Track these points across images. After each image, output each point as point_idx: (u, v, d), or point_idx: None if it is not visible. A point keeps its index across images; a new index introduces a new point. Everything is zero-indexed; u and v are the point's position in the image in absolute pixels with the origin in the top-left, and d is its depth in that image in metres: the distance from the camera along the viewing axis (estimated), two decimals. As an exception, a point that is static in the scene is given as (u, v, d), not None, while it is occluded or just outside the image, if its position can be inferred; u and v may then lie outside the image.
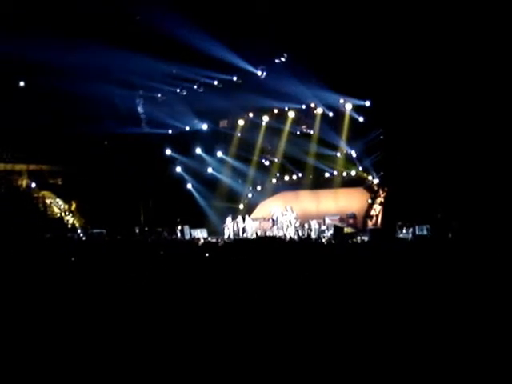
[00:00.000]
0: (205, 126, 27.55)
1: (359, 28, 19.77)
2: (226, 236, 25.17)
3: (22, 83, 24.89)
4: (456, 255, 11.92)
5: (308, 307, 6.87)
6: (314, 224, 24.53)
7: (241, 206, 28.72)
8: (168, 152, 27.94)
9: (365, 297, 7.34)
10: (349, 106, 24.21)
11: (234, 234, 25.31)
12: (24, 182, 27.34)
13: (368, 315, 6.41)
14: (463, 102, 19.28)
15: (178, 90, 26.04)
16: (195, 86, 25.64)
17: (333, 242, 20.56)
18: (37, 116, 23.88)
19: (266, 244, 18.22)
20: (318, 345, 5.45)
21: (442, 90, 19.59)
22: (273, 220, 25.23)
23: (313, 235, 23.45)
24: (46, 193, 27.37)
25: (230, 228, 25.57)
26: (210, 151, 28.13)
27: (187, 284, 8.93)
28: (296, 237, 23.52)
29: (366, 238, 21.01)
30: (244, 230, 25.54)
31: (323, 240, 21.54)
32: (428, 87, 19.79)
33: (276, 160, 28.04)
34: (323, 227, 24.62)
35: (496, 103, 18.68)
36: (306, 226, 24.59)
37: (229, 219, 25.75)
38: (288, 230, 24.34)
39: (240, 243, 20.57)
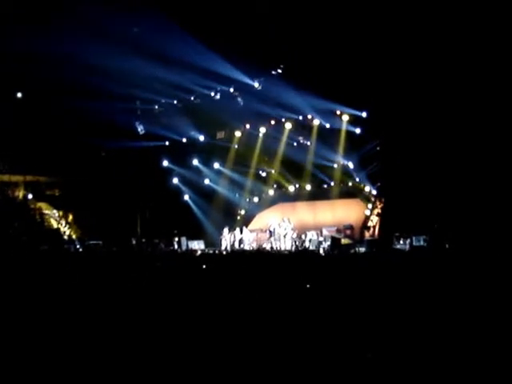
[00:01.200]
0: (202, 138, 27.59)
1: (355, 40, 19.88)
2: (223, 247, 25.14)
3: (19, 94, 24.93)
4: (452, 265, 11.93)
5: (305, 319, 6.85)
6: (312, 235, 24.54)
7: (238, 218, 28.71)
8: (165, 163, 27.95)
9: (362, 308, 7.33)
10: (345, 118, 24.31)
11: (231, 246, 25.30)
12: (21, 193, 27.26)
13: (366, 326, 6.41)
14: (459, 113, 19.36)
15: (175, 102, 26.12)
16: (192, 98, 25.71)
17: (330, 253, 20.55)
18: (34, 127, 23.90)
19: (264, 257, 18.21)
20: (314, 355, 5.44)
21: (438, 101, 19.68)
22: (270, 231, 25.21)
23: (310, 246, 23.43)
24: (42, 204, 27.30)
25: (227, 239, 25.55)
26: (207, 163, 28.17)
27: (183, 296, 8.91)
28: (293, 248, 23.52)
29: (363, 249, 21.03)
30: (241, 242, 25.52)
31: (321, 251, 21.53)
32: (424, 98, 19.88)
33: (273, 171, 28.07)
34: (320, 238, 24.63)
35: (492, 118, 18.76)
36: (303, 237, 24.60)
37: (226, 230, 25.73)
38: (285, 242, 24.35)
39: (237, 255, 20.53)
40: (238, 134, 27.51)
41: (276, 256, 19.32)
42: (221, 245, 25.51)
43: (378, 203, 24.36)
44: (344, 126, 24.56)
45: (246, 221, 28.29)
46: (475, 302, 7.38)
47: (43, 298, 8.71)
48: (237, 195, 28.81)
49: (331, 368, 5.14)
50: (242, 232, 25.75)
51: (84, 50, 19.65)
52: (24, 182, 27.43)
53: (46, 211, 27.09)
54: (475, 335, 5.86)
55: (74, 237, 26.32)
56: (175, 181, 28.19)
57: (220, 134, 27.95)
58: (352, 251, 20.56)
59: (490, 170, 18.73)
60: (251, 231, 26.33)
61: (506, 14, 17.35)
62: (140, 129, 26.68)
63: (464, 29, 18.13)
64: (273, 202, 28.41)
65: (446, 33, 18.51)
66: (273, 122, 26.54)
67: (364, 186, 25.20)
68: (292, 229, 24.65)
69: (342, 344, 5.82)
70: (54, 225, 26.82)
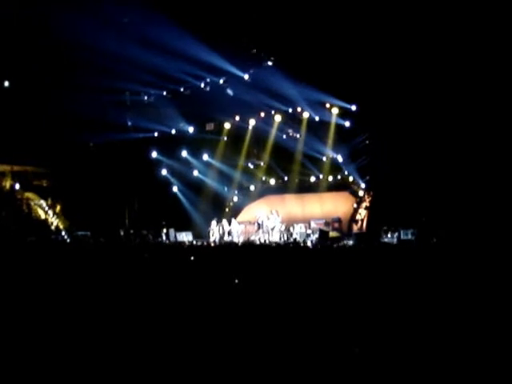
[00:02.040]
0: (191, 129, 27.49)
1: (345, 33, 19.86)
2: (211, 239, 25.14)
3: (6, 83, 24.68)
4: (440, 259, 12.00)
5: (293, 312, 6.87)
6: (300, 228, 24.59)
7: (226, 210, 28.69)
8: (154, 155, 27.84)
9: (350, 302, 7.37)
10: (335, 111, 24.30)
11: (220, 238, 25.31)
12: (8, 183, 27.05)
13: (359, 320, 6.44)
14: (449, 107, 19.45)
15: (165, 93, 25.99)
16: (181, 89, 25.59)
17: (318, 246, 20.61)
18: (21, 117, 23.69)
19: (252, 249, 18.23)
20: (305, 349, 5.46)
21: (428, 95, 19.74)
22: (258, 224, 25.24)
23: (298, 239, 23.49)
24: (30, 194, 27.11)
25: (215, 231, 25.55)
26: (196, 154, 28.06)
27: (171, 286, 8.90)
28: (281, 240, 23.58)
29: (351, 242, 21.11)
30: (229, 234, 25.53)
31: (308, 244, 21.60)
32: (414, 92, 19.94)
33: (262, 164, 28.05)
34: (308, 231, 24.71)
35: (480, 110, 18.86)
36: (292, 229, 24.65)
37: (214, 222, 25.73)
38: (273, 234, 24.40)
39: (226, 248, 20.54)
40: (227, 125, 27.41)
41: (264, 248, 19.35)
42: (209, 237, 25.50)
43: (366, 197, 24.44)
44: (333, 119, 24.56)
45: (235, 213, 28.27)
46: (463, 295, 7.43)
47: (32, 289, 8.68)
48: (225, 187, 28.78)
49: (319, 362, 5.16)
50: (230, 224, 25.75)
51: (72, 40, 19.48)
52: (11, 172, 27.20)
53: (34, 202, 26.92)
54: (463, 327, 5.90)
55: (61, 227, 26.19)
56: (164, 172, 28.08)
57: (209, 126, 27.83)
58: (340, 244, 20.62)
59: (478, 164, 18.85)
60: (239, 223, 26.32)
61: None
62: (128, 120, 26.52)
63: (455, 20, 18.17)
64: (261, 194, 28.39)
65: (436, 26, 18.55)
66: (262, 115, 26.44)
67: (353, 179, 25.25)
68: (280, 221, 24.70)
69: (329, 338, 5.85)
70: (42, 215, 26.65)
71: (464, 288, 7.98)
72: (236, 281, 9.33)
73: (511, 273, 8.63)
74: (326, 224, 24.91)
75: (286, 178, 27.66)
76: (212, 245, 22.56)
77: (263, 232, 24.82)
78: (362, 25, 19.51)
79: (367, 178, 24.26)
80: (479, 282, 8.28)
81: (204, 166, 28.20)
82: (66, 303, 7.64)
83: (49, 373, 5.07)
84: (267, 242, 23.62)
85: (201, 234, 26.40)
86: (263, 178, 28.44)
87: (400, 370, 4.96)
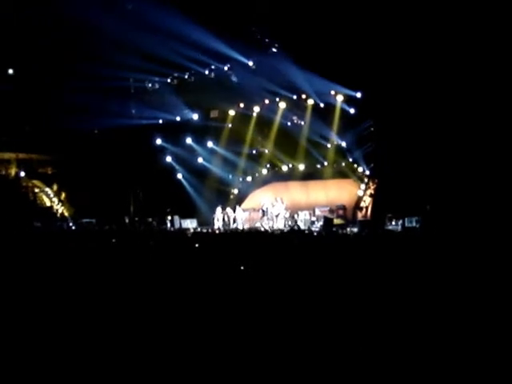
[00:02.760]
0: (195, 116, 27.46)
1: (351, 19, 19.74)
2: (215, 226, 25.21)
3: (10, 71, 24.65)
4: (445, 247, 11.99)
5: (296, 305, 6.89)
6: (304, 215, 24.62)
7: (231, 197, 28.74)
8: (158, 142, 27.85)
9: (354, 296, 7.38)
10: (340, 98, 24.21)
11: (224, 225, 25.36)
12: (13, 171, 27.15)
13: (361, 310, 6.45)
14: (453, 93, 19.34)
15: (169, 80, 25.93)
16: (186, 76, 25.51)
17: (323, 233, 20.62)
18: (26, 105, 23.70)
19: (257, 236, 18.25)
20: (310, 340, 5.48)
21: (432, 81, 19.63)
22: (263, 211, 25.28)
23: (302, 226, 23.51)
24: (35, 182, 27.22)
25: (219, 218, 25.61)
26: (201, 141, 28.05)
27: (176, 276, 8.93)
28: (286, 228, 23.60)
29: (355, 230, 21.12)
30: (234, 221, 25.59)
31: (313, 231, 21.61)
32: (418, 78, 19.82)
33: (266, 151, 28.03)
34: (313, 218, 24.73)
35: (485, 95, 18.76)
36: (296, 217, 24.68)
37: (219, 210, 25.77)
38: (278, 221, 24.43)
39: (231, 235, 20.58)
40: (231, 112, 27.38)
41: (269, 236, 19.36)
42: (213, 224, 25.56)
43: (371, 184, 24.41)
44: (338, 106, 24.48)
45: (239, 200, 28.32)
46: (468, 286, 7.43)
47: (36, 277, 8.72)
48: (230, 174, 28.80)
49: (321, 358, 5.18)
50: (235, 211, 25.80)
51: (76, 27, 19.42)
52: (16, 160, 27.28)
53: (39, 189, 27.01)
54: (468, 319, 5.91)
55: (66, 215, 26.29)
56: (168, 159, 28.10)
57: (214, 113, 27.80)
58: (344, 231, 20.63)
59: (483, 152, 18.79)
60: (244, 210, 26.36)
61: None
62: (132, 107, 26.49)
63: (458, 12, 18.05)
64: (266, 181, 28.42)
65: (441, 14, 18.42)
66: (267, 101, 26.39)
67: (357, 166, 25.21)
68: (285, 208, 24.73)
69: (332, 327, 5.86)
70: (47, 203, 26.75)
71: (469, 277, 7.97)
72: (242, 267, 9.35)
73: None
74: (331, 211, 24.93)
75: (290, 165, 27.64)
76: (217, 232, 22.60)
77: (268, 219, 24.86)
78: (366, 12, 19.38)
79: (372, 165, 24.21)
80: (483, 272, 8.27)
81: (208, 154, 28.21)
82: (68, 291, 7.68)
83: (51, 359, 5.11)
84: (272, 229, 23.66)
85: (205, 221, 26.46)
86: (268, 165, 28.43)
87: (405, 359, 4.98)
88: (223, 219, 25.59)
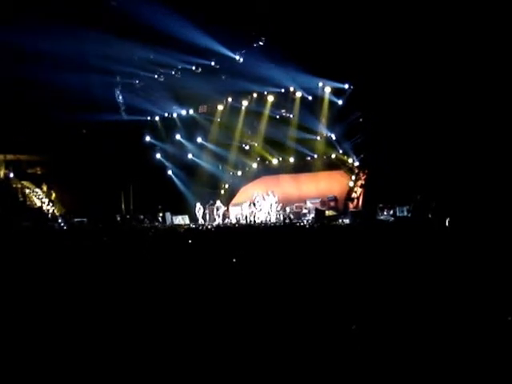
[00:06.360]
0: (184, 112, 27.42)
1: (336, 11, 19.74)
2: (199, 222, 25.40)
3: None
4: (437, 236, 12.05)
5: (290, 292, 6.91)
6: (296, 208, 24.67)
7: (222, 192, 28.75)
8: (147, 139, 27.80)
9: (348, 279, 7.41)
10: (328, 90, 24.22)
11: (212, 220, 25.51)
12: (2, 173, 27.01)
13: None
14: (440, 83, 19.39)
15: (156, 76, 25.82)
16: (173, 72, 25.43)
17: (315, 225, 20.67)
18: (12, 105, 23.53)
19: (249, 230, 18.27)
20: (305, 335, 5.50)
21: (421, 71, 19.67)
22: (254, 204, 25.30)
23: (294, 219, 23.57)
24: (24, 183, 27.09)
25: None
26: (190, 137, 28.03)
27: (170, 271, 8.93)
28: (277, 220, 23.65)
29: (347, 221, 21.19)
30: (224, 216, 25.67)
31: (305, 223, 21.66)
32: (405, 68, 19.86)
33: (256, 144, 28.02)
34: (304, 211, 24.79)
35: (471, 83, 18.82)
36: (288, 209, 24.73)
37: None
38: (270, 215, 24.48)
39: (223, 229, 20.59)
40: (220, 107, 27.32)
41: (261, 229, 19.39)
42: (205, 219, 25.62)
43: (361, 175, 24.44)
44: (326, 98, 24.48)
45: (230, 194, 28.36)
46: (459, 273, 7.47)
47: (29, 275, 8.69)
48: (220, 169, 28.79)
49: (316, 339, 5.20)
50: (226, 206, 25.90)
51: (62, 24, 19.27)
52: (5, 161, 27.15)
53: (29, 190, 26.90)
54: (459, 306, 5.94)
55: (57, 215, 26.18)
56: (158, 156, 28.08)
57: (202, 108, 27.74)
58: (336, 223, 20.69)
59: (473, 141, 18.86)
60: (236, 205, 26.38)
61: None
62: (121, 104, 26.40)
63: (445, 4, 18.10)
64: (256, 175, 28.43)
65: (427, 5, 18.46)
66: (255, 96, 26.37)
67: (347, 157, 25.25)
68: (276, 202, 24.76)
69: (326, 315, 5.89)
70: (37, 203, 26.63)
71: (461, 266, 8.01)
72: (234, 260, 9.36)
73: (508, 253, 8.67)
74: (322, 203, 24.97)
75: (280, 159, 27.66)
76: (208, 227, 22.61)
77: (259, 212, 24.89)
78: (353, 3, 19.39)
79: (362, 155, 24.26)
80: (476, 260, 8.31)
81: (198, 149, 28.18)
82: (63, 289, 7.66)
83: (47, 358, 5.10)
84: (263, 222, 23.70)
85: (197, 216, 26.49)
86: (258, 159, 28.44)
87: (397, 346, 5.00)
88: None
